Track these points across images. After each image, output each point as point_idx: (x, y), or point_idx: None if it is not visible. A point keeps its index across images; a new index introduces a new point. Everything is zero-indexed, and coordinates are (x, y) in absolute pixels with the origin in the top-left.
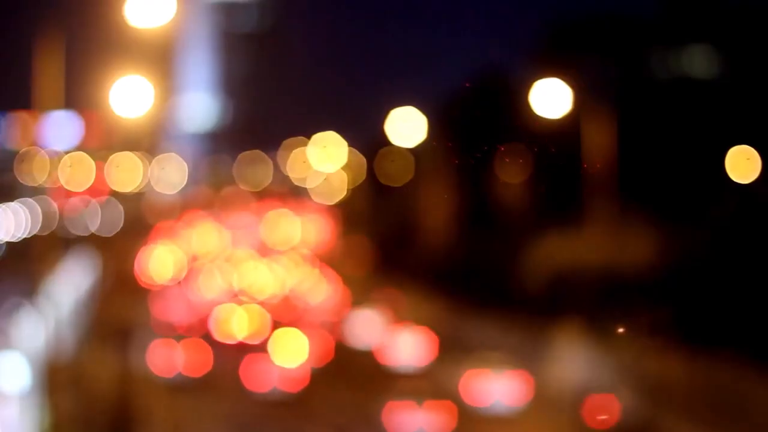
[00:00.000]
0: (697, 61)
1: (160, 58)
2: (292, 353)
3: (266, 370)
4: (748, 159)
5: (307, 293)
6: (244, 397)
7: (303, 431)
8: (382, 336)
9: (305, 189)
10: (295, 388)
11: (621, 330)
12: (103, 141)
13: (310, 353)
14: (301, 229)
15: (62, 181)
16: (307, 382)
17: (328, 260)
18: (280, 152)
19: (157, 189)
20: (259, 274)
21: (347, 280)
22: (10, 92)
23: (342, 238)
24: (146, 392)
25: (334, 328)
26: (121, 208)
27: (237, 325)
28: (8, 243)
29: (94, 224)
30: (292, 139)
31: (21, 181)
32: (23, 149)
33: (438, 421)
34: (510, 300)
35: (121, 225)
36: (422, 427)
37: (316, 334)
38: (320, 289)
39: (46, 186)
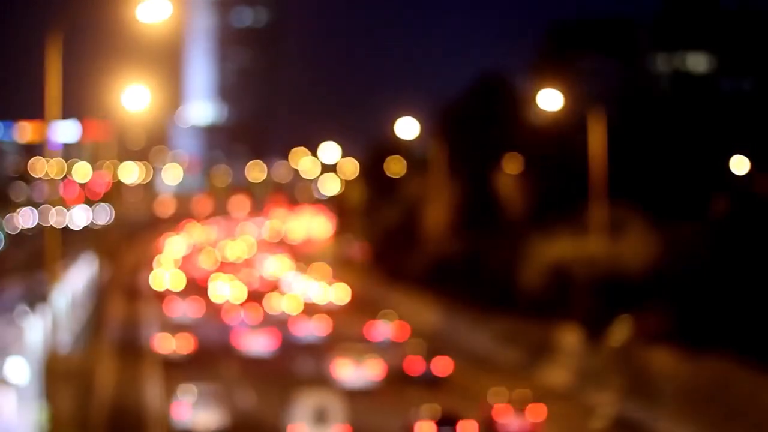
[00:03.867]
0: (696, 64)
1: (165, 68)
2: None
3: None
4: (744, 160)
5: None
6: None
7: None
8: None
9: (305, 192)
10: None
11: (620, 329)
12: (108, 147)
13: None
14: (293, 228)
15: (66, 185)
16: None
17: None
18: (282, 159)
19: (161, 191)
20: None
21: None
22: (17, 101)
23: (338, 236)
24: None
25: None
26: (125, 209)
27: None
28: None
29: (97, 225)
30: (294, 147)
31: (27, 186)
32: (30, 156)
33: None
34: (510, 300)
35: (125, 226)
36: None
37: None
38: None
39: (53, 190)
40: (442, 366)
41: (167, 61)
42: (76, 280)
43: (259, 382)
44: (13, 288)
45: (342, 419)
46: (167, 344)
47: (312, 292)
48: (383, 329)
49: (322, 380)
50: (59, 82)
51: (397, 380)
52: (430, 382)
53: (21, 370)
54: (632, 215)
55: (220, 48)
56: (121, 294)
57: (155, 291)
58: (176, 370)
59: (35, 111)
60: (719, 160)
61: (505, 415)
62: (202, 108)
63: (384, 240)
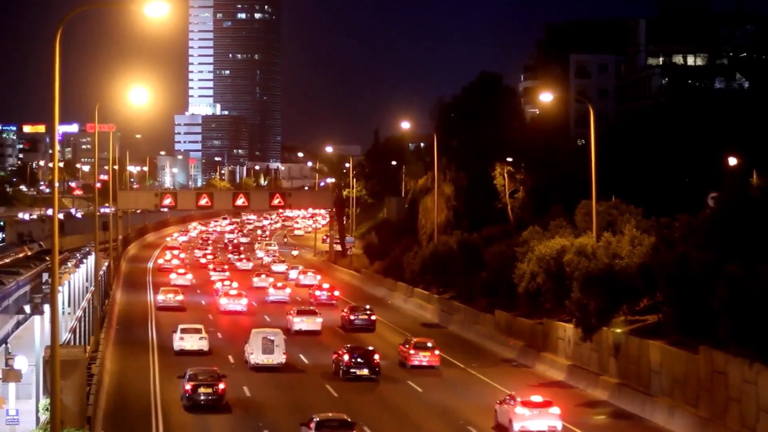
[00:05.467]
0: (691, 64)
1: (167, 67)
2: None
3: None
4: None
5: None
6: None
7: None
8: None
9: (303, 191)
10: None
11: (616, 323)
12: (111, 150)
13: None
14: (291, 222)
15: (70, 189)
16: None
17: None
18: (283, 155)
19: (162, 186)
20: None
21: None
22: (21, 106)
23: (335, 230)
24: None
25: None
26: (127, 204)
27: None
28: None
29: (100, 226)
30: (295, 143)
31: (30, 189)
32: (33, 159)
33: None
34: (507, 294)
35: (130, 218)
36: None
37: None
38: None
39: (54, 193)
40: (372, 315)
41: (169, 59)
42: (79, 270)
43: (231, 325)
44: (16, 282)
45: (283, 349)
46: (163, 296)
47: (291, 274)
48: (324, 293)
49: (280, 326)
50: (58, 82)
51: (340, 327)
52: (365, 327)
53: (23, 363)
54: (627, 211)
55: (221, 46)
56: (129, 271)
57: (159, 266)
58: (170, 316)
59: (38, 111)
60: (713, 157)
61: (412, 350)
62: (203, 106)
63: (383, 233)
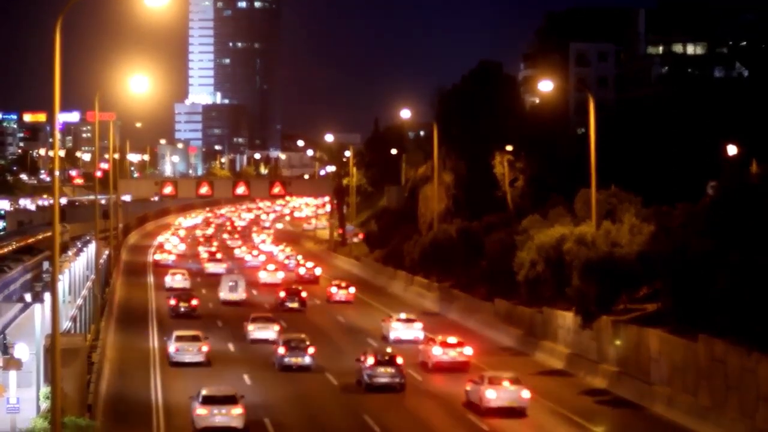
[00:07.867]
0: (690, 53)
1: (168, 55)
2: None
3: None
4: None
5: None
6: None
7: None
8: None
9: (303, 180)
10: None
11: (618, 336)
12: (111, 139)
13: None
14: (289, 211)
15: (70, 177)
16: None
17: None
18: (283, 144)
19: (163, 176)
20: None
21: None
22: (21, 94)
23: (335, 218)
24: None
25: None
26: (129, 192)
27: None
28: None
29: (101, 215)
30: (295, 132)
31: (30, 178)
32: (33, 148)
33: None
34: (507, 283)
35: (132, 213)
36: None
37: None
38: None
39: (55, 182)
40: (316, 270)
41: (169, 48)
42: (79, 258)
43: (211, 279)
44: (17, 271)
45: (243, 289)
46: (159, 256)
47: (274, 251)
48: (291, 260)
49: (251, 283)
50: (59, 70)
51: (294, 281)
52: (311, 280)
53: (24, 352)
54: (627, 199)
55: (221, 35)
56: (130, 255)
57: (160, 243)
58: (164, 269)
59: (39, 99)
60: (712, 145)
61: (334, 289)
62: (203, 95)
63: (382, 222)
